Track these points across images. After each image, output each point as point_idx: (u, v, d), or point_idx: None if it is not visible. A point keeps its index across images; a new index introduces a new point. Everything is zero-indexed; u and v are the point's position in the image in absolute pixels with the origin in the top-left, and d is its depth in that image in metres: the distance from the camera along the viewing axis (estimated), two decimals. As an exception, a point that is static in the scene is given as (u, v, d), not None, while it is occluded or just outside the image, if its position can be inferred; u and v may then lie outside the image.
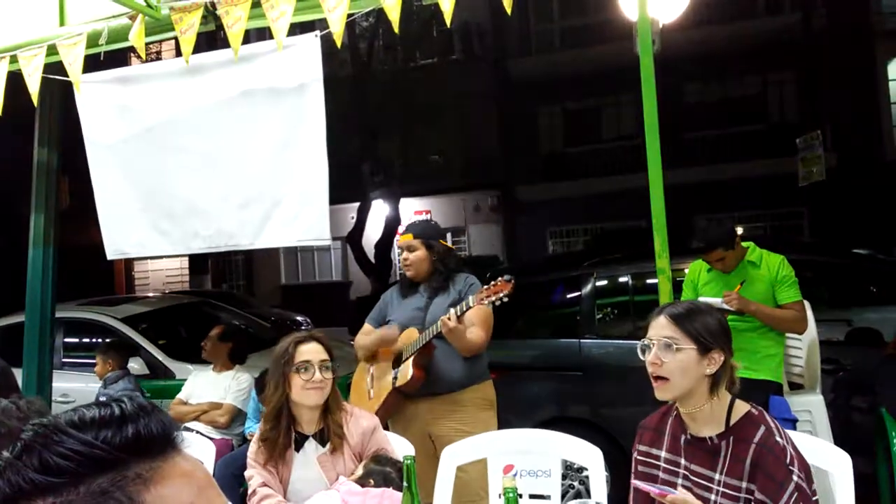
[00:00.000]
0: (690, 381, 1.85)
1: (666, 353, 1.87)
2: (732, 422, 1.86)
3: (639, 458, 2.03)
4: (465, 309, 2.92)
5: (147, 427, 0.70)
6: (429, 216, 17.86)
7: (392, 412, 3.25)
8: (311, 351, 2.36)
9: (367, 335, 3.41)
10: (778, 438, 1.80)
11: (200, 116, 3.45)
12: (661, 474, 1.97)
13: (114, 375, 4.68)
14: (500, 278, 2.84)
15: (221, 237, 3.52)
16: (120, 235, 3.73)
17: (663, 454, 1.97)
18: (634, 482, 1.86)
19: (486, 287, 2.87)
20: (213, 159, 3.48)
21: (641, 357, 1.94)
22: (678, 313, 1.90)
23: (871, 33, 14.00)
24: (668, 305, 1.99)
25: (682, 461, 1.93)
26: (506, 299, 2.81)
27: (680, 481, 1.91)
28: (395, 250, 15.04)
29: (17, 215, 6.64)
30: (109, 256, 3.76)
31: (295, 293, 18.96)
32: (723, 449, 1.85)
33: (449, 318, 2.91)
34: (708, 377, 1.86)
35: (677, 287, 3.62)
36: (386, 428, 3.25)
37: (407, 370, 3.13)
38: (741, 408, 1.88)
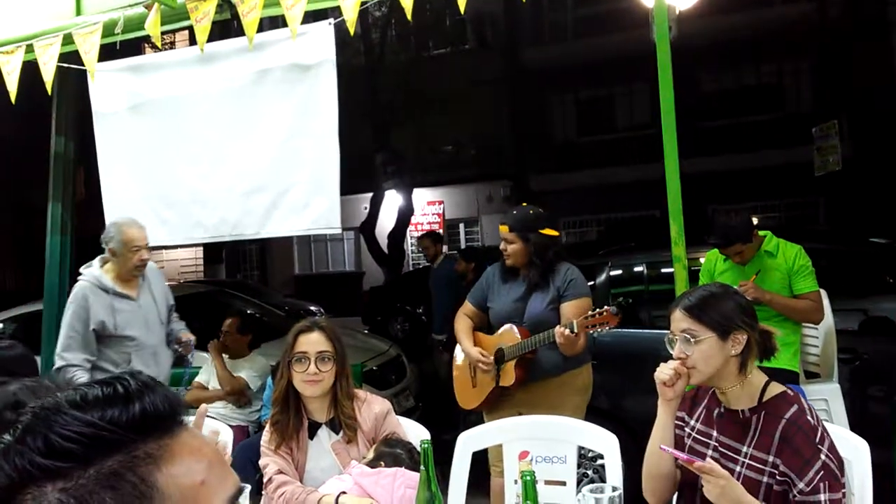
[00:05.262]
0: (715, 366, 1.88)
1: (688, 347, 1.89)
2: (766, 398, 1.88)
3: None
4: (573, 331, 2.95)
5: (153, 404, 0.68)
6: (442, 206, 17.88)
7: (491, 404, 3.34)
8: (310, 342, 2.34)
9: (469, 318, 3.47)
10: (809, 418, 1.81)
11: (212, 104, 3.46)
12: (689, 442, 2.00)
13: None
14: (606, 308, 2.89)
15: (225, 226, 3.53)
16: None
17: (697, 424, 2.00)
18: (661, 446, 1.88)
19: (591, 314, 2.93)
20: (221, 147, 3.49)
21: (670, 349, 1.95)
22: (691, 304, 1.91)
23: (889, 21, 13.82)
24: (682, 297, 1.99)
25: (714, 433, 1.95)
26: (608, 329, 2.90)
27: (710, 452, 1.93)
28: (409, 240, 15.07)
29: (34, 205, 6.69)
30: None
31: (308, 283, 19.04)
32: (753, 422, 1.87)
33: (564, 333, 2.96)
34: (735, 357, 1.88)
35: (693, 276, 3.61)
36: (480, 416, 3.37)
37: (510, 373, 3.21)
38: (776, 388, 1.91)
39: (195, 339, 3.93)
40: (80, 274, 3.57)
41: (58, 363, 3.43)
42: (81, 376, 3.34)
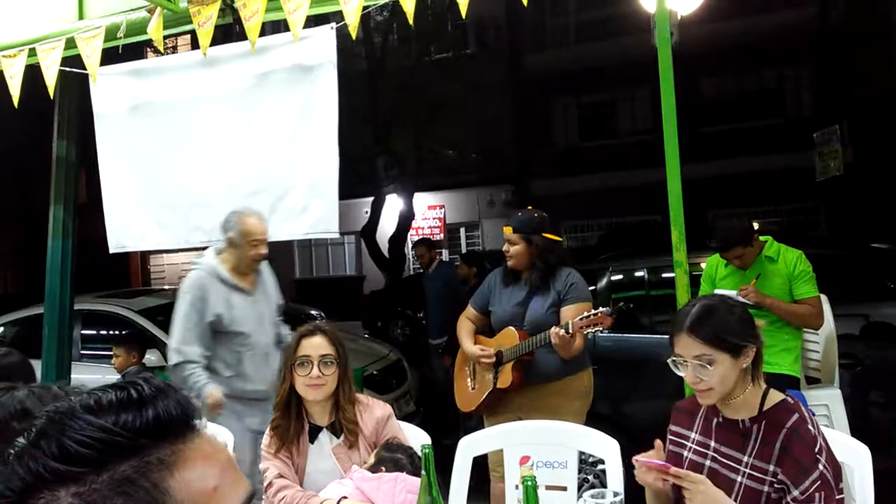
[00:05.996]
0: (731, 384, 1.85)
1: (704, 372, 1.84)
2: (766, 407, 1.87)
3: (670, 437, 2.05)
4: (568, 332, 2.99)
5: (167, 410, 0.68)
6: (443, 210, 17.88)
7: (490, 407, 3.36)
8: (313, 346, 2.34)
9: (472, 321, 3.50)
10: (810, 426, 1.80)
11: (213, 108, 3.47)
12: (689, 455, 1.98)
13: (135, 370, 4.71)
14: (601, 310, 2.95)
15: None
16: (122, 229, 3.74)
17: (696, 436, 1.99)
18: (635, 457, 1.85)
19: (586, 316, 2.97)
20: (222, 150, 3.49)
21: (677, 373, 1.91)
22: (697, 327, 1.85)
23: (891, 27, 13.83)
24: (683, 318, 1.89)
25: (712, 443, 1.94)
26: (602, 332, 2.96)
27: (708, 463, 1.92)
28: (409, 245, 15.07)
29: (35, 208, 6.70)
30: (111, 250, 3.77)
31: (309, 287, 19.04)
32: (754, 432, 1.86)
33: (559, 334, 3.01)
34: (745, 369, 1.86)
35: (694, 281, 3.60)
36: (480, 421, 3.38)
37: (507, 374, 3.23)
38: (776, 396, 1.89)
39: None
40: (194, 264, 3.42)
41: (174, 359, 3.25)
42: (200, 376, 3.20)
